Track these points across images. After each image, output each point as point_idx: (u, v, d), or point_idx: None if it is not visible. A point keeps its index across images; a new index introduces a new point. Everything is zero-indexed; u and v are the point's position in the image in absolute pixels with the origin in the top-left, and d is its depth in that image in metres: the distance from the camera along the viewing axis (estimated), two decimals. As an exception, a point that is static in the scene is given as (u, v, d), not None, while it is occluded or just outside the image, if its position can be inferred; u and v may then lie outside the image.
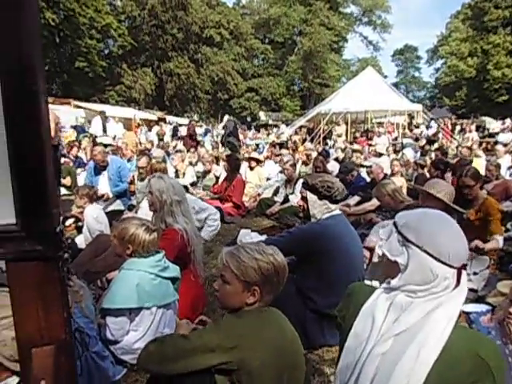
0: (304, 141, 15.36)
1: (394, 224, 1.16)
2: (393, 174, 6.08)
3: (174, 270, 2.23)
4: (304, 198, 2.69)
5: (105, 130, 12.74)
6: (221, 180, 6.63)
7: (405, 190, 5.65)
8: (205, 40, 34.17)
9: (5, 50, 0.74)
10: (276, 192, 6.57)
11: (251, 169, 7.40)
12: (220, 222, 5.38)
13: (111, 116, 14.50)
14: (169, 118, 23.42)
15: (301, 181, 6.18)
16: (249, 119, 35.53)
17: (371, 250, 3.14)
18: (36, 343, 0.84)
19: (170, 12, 29.69)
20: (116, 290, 2.03)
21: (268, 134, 20.67)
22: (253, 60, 40.33)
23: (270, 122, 31.74)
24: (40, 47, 0.76)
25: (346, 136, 15.64)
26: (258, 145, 15.70)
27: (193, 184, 7.29)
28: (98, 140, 10.56)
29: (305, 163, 8.20)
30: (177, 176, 7.38)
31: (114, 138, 12.12)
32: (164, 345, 1.44)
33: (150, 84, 30.42)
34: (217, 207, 5.74)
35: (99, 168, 5.68)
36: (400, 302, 1.08)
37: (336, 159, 9.43)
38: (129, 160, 7.97)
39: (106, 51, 30.91)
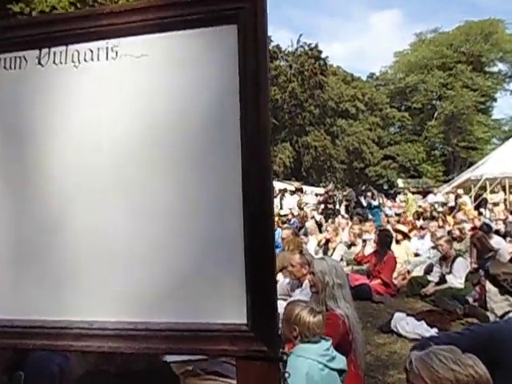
0: (451, 210, 13.94)
1: None
2: None
3: (341, 361, 2.15)
4: (482, 287, 2.39)
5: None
6: (366, 252, 6.40)
7: None
8: (340, 113, 35.52)
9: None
10: (429, 270, 6.00)
11: (397, 242, 6.98)
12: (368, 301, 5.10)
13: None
14: (305, 187, 24.24)
15: (459, 260, 5.58)
16: (385, 187, 34.38)
17: None
18: None
19: (308, 92, 32.06)
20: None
21: (407, 202, 19.47)
22: (389, 128, 39.94)
23: (410, 189, 30.09)
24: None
25: (505, 205, 13.69)
26: (398, 214, 14.88)
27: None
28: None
29: (458, 239, 7.28)
30: (326, 250, 7.31)
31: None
32: None
33: (288, 157, 32.40)
34: (364, 284, 5.49)
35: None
36: None
37: (497, 232, 8.23)
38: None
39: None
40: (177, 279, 1.00)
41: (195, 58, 1.01)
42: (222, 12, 0.99)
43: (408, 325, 4.04)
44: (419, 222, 10.49)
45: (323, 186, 29.26)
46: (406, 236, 7.24)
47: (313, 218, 12.43)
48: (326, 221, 11.77)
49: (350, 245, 7.15)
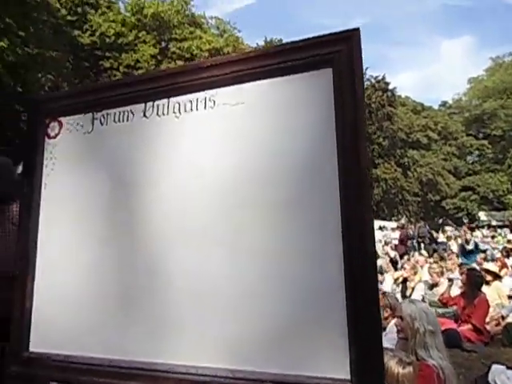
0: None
1: None
2: None
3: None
4: None
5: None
6: (452, 293, 5.84)
7: None
8: (411, 144, 34.19)
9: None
10: (528, 316, 5.30)
11: (487, 283, 6.30)
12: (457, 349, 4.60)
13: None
14: (377, 222, 23.29)
15: None
16: (465, 220, 31.80)
17: None
18: None
19: (377, 124, 31.48)
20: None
21: (493, 237, 17.73)
22: (466, 157, 37.46)
23: (494, 222, 27.52)
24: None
25: None
26: (484, 251, 13.55)
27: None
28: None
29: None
30: (404, 289, 6.87)
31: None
32: None
33: (356, 190, 31.65)
34: (451, 329, 4.98)
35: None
36: None
37: None
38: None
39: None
40: (274, 328, 0.97)
41: (290, 103, 1.02)
42: (317, 57, 1.00)
43: (510, 380, 3.55)
44: (509, 261, 9.43)
45: (395, 220, 27.88)
46: (496, 276, 6.52)
47: (386, 254, 11.78)
48: (402, 257, 11.06)
49: (432, 285, 6.60)
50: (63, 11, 18.47)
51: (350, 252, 0.90)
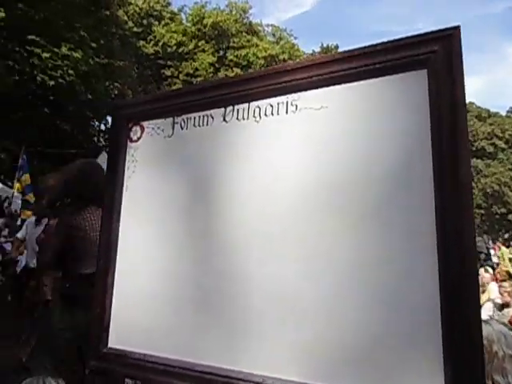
0: None
1: None
2: None
3: None
4: None
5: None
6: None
7: None
8: (475, 152, 32.14)
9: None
10: None
11: None
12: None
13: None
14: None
15: None
16: (537, 236, 29.19)
17: None
18: None
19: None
20: None
21: None
22: (539, 168, 34.52)
23: None
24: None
25: None
26: None
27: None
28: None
29: None
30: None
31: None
32: None
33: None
34: (525, 356, 4.55)
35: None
36: None
37: None
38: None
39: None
40: (356, 342, 0.91)
41: (379, 107, 0.97)
42: (410, 58, 0.94)
43: None
44: None
45: (456, 233, 26.29)
46: None
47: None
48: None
49: (502, 305, 6.08)
50: (130, 23, 19.61)
51: (447, 265, 0.83)
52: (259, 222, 1.06)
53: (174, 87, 20.34)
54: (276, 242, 1.02)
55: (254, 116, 1.13)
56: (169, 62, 21.57)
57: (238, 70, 21.18)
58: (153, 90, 21.75)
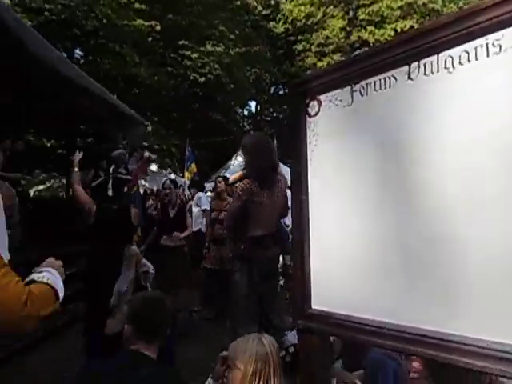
0: None
1: None
2: None
3: None
4: None
5: None
6: None
7: None
8: None
9: None
10: None
11: None
12: None
13: None
14: None
15: None
16: None
17: None
18: None
19: None
20: None
21: None
22: None
23: None
24: None
25: None
26: None
27: None
28: None
29: None
30: None
31: None
32: None
33: None
34: None
35: None
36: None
37: None
38: None
39: None
40: None
41: None
42: None
43: None
44: None
45: None
46: None
47: None
48: None
49: None
50: (259, 7, 20.17)
51: None
52: (463, 183, 0.99)
53: (307, 61, 20.25)
54: (489, 205, 0.94)
55: (445, 67, 1.05)
56: (299, 37, 21.46)
57: (371, 28, 19.77)
58: (287, 68, 22.11)
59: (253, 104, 25.54)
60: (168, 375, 1.78)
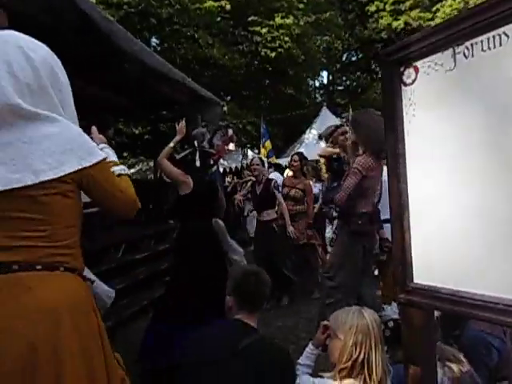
0: None
1: None
2: None
3: None
4: None
5: None
6: None
7: None
8: None
9: None
10: None
11: None
12: None
13: None
14: None
15: None
16: None
17: None
18: None
19: None
20: None
21: None
22: None
23: None
24: None
25: None
26: None
27: None
28: None
29: None
30: None
31: None
32: None
33: None
34: None
35: None
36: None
37: None
38: None
39: None
40: None
41: None
42: None
43: None
44: None
45: None
46: None
47: None
48: None
49: None
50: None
51: None
52: None
53: (381, 22, 18.90)
54: None
55: None
56: (372, -4, 20.04)
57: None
58: (360, 33, 20.90)
59: (324, 74, 24.75)
60: (267, 343, 1.89)
